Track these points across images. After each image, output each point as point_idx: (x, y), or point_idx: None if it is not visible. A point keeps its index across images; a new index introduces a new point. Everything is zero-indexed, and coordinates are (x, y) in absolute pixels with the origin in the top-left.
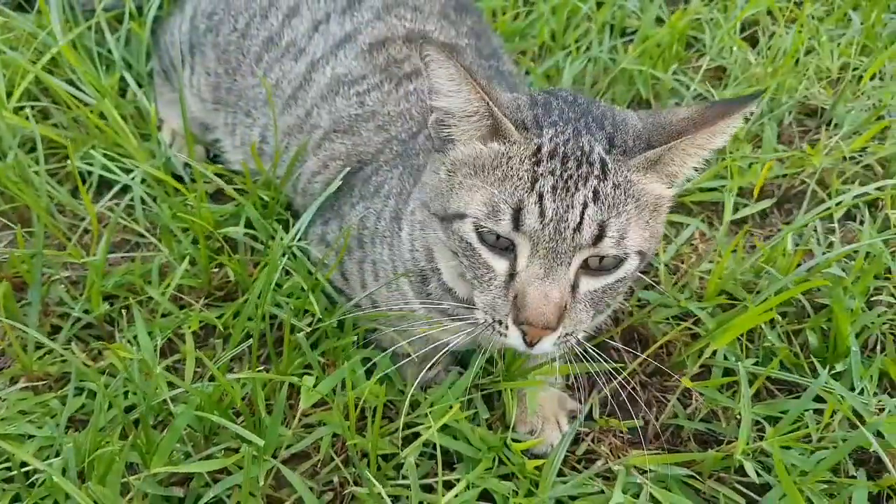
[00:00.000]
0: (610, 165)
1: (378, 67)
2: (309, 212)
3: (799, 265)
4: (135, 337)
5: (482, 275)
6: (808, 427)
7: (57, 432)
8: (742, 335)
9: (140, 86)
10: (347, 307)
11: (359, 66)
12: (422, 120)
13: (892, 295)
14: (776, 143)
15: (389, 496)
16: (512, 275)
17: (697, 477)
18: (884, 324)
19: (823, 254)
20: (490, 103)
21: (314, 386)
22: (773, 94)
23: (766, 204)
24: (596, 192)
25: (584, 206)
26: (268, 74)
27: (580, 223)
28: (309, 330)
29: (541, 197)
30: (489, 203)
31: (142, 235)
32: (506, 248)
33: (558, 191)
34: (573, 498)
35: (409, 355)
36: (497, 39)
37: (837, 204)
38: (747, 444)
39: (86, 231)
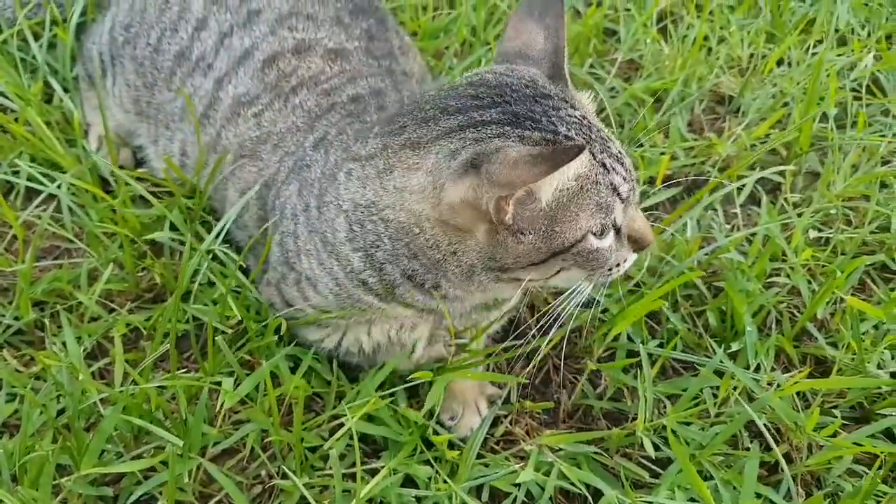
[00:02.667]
0: (586, 114)
1: (269, 85)
2: (227, 217)
3: (702, 248)
4: (64, 343)
5: (603, 259)
6: (705, 404)
7: None
8: (645, 318)
9: (66, 91)
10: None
11: (254, 86)
12: (307, 129)
13: (789, 276)
14: (686, 132)
15: (317, 486)
16: (618, 230)
17: (604, 454)
18: (781, 303)
19: (726, 237)
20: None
21: (236, 387)
22: (684, 85)
23: (672, 192)
24: (612, 139)
25: (621, 152)
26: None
27: (631, 163)
28: (230, 332)
29: (615, 170)
30: (598, 209)
31: (70, 241)
32: (602, 230)
33: (611, 155)
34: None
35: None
36: (399, 40)
37: (740, 189)
38: (650, 421)
39: (14, 238)
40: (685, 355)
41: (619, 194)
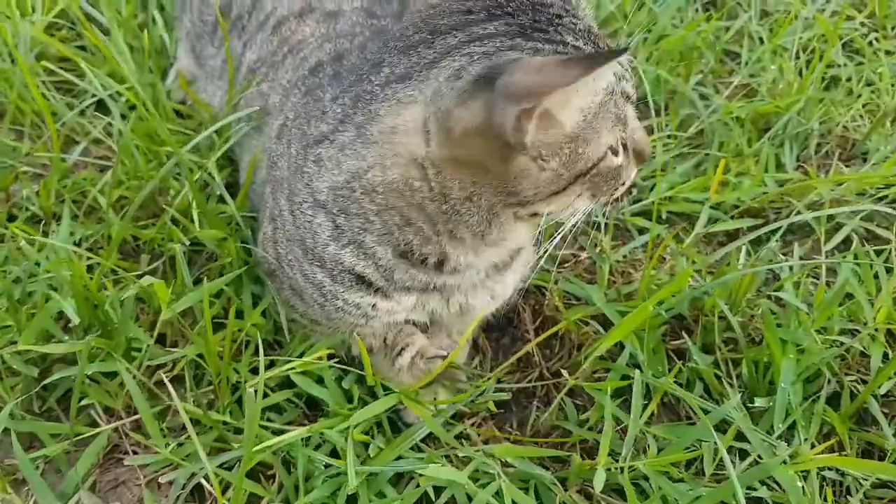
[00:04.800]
0: (589, 22)
1: (269, 53)
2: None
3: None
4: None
5: (619, 176)
6: (702, 456)
7: None
8: (669, 352)
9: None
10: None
11: (261, 53)
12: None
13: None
14: (792, 168)
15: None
16: (625, 144)
17: (559, 485)
18: (847, 372)
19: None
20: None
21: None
22: (799, 115)
23: (747, 223)
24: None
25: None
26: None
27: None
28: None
29: (623, 77)
30: (616, 121)
31: (112, 151)
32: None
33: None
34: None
35: (370, 349)
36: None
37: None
38: (625, 460)
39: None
40: (686, 393)
41: (630, 101)
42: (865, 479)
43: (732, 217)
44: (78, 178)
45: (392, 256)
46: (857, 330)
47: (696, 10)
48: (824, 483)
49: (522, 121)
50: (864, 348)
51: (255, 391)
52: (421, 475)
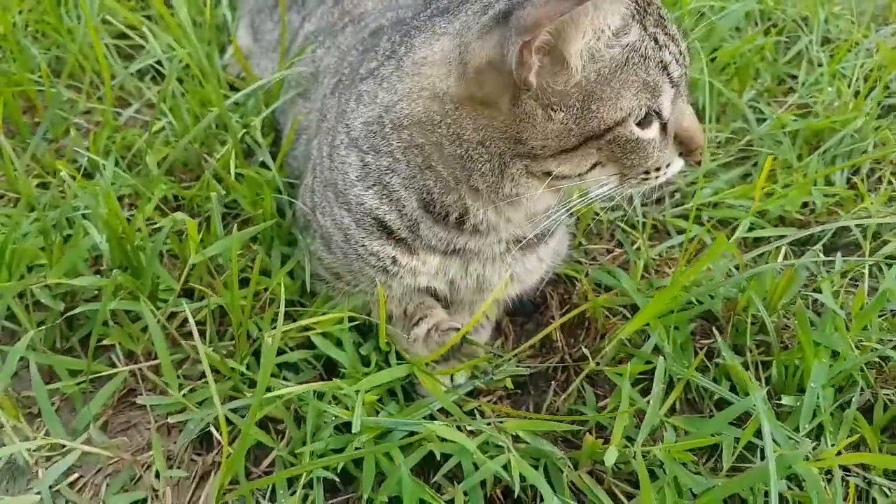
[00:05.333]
0: None
1: (329, 24)
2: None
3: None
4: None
5: (644, 153)
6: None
7: None
8: (697, 350)
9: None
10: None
11: (321, 24)
12: (335, 73)
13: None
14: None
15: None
16: (664, 125)
17: (570, 464)
18: (882, 384)
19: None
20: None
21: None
22: (857, 134)
23: (789, 230)
24: (670, 18)
25: (677, 33)
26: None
27: (686, 46)
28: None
29: (668, 48)
30: (644, 88)
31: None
32: (645, 118)
33: (666, 34)
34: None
35: (390, 317)
36: None
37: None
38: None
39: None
40: (708, 382)
41: (669, 75)
42: (893, 487)
43: (776, 226)
44: (128, 132)
45: (417, 206)
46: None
47: (755, 24)
48: (847, 488)
49: (524, 54)
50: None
51: (272, 341)
52: (428, 441)
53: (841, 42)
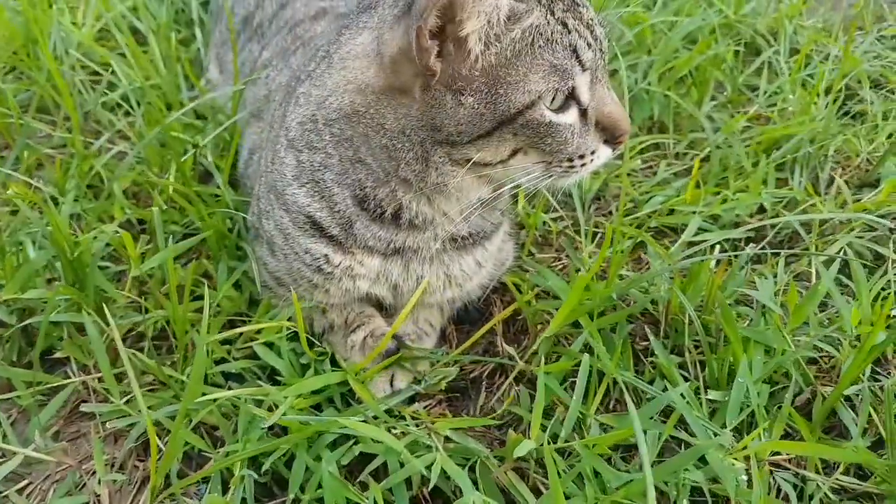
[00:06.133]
0: None
1: (283, 49)
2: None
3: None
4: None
5: (561, 139)
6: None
7: None
8: (634, 349)
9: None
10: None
11: (275, 51)
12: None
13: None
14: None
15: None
16: (584, 112)
17: (495, 460)
18: (820, 378)
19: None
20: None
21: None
22: (812, 143)
23: (730, 234)
24: (586, 5)
25: (593, 20)
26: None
27: (603, 33)
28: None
29: (578, 32)
30: (552, 71)
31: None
32: (562, 104)
33: (579, 20)
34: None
35: (331, 327)
36: None
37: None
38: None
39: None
40: (634, 380)
41: (579, 60)
42: (826, 482)
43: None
44: (96, 160)
45: (351, 203)
46: (838, 339)
47: (715, 40)
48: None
49: (421, 39)
50: (837, 353)
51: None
52: (362, 444)
53: (811, 51)
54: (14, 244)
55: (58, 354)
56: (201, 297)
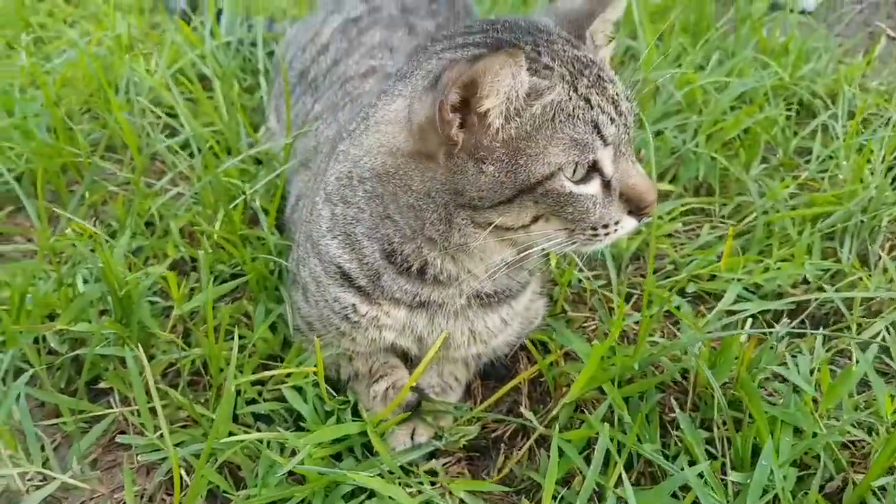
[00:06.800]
0: (592, 56)
1: (333, 104)
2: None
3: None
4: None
5: (583, 209)
6: None
7: None
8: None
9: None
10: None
11: (326, 105)
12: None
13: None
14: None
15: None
16: (607, 183)
17: None
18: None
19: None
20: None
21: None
22: (864, 213)
23: (768, 305)
24: (612, 81)
25: (619, 95)
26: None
27: (629, 108)
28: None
29: (601, 108)
30: (572, 145)
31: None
32: (585, 175)
33: (603, 96)
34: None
35: (356, 375)
36: None
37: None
38: None
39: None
40: (651, 454)
41: (601, 135)
42: None
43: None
44: (157, 199)
45: (379, 257)
46: (873, 424)
47: (767, 102)
48: None
49: (443, 112)
50: (872, 441)
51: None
52: (378, 499)
53: (870, 116)
54: (70, 276)
55: (102, 385)
56: (241, 337)
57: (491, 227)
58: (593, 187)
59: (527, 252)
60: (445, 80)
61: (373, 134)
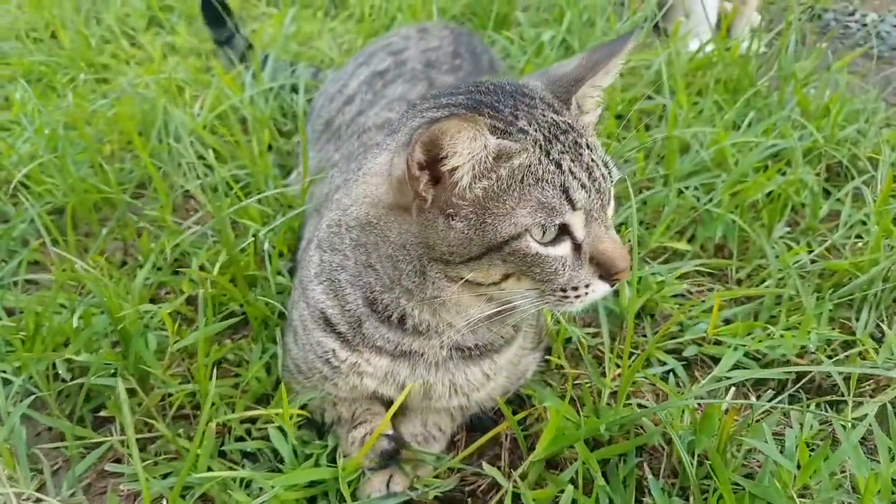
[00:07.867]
0: (572, 122)
1: (348, 154)
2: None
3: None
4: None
5: (551, 270)
6: None
7: None
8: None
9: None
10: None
11: (343, 154)
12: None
13: None
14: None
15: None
16: (577, 246)
17: None
18: None
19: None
20: (486, 136)
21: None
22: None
23: (757, 374)
24: (590, 147)
25: (596, 161)
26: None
27: (604, 175)
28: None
29: (573, 173)
30: (539, 207)
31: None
32: (555, 237)
33: (578, 161)
34: None
35: (339, 419)
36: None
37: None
38: None
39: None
40: None
41: (570, 199)
42: None
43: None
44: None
45: (362, 304)
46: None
47: (788, 165)
48: None
49: (411, 168)
50: None
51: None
52: None
53: None
54: (80, 307)
55: (103, 413)
56: (237, 375)
57: (462, 282)
58: (562, 249)
59: (503, 307)
60: (414, 139)
61: (361, 185)
